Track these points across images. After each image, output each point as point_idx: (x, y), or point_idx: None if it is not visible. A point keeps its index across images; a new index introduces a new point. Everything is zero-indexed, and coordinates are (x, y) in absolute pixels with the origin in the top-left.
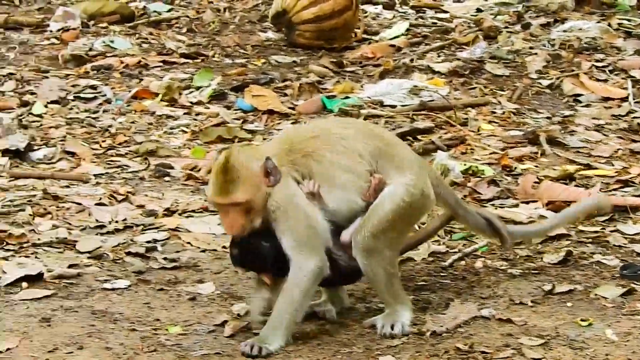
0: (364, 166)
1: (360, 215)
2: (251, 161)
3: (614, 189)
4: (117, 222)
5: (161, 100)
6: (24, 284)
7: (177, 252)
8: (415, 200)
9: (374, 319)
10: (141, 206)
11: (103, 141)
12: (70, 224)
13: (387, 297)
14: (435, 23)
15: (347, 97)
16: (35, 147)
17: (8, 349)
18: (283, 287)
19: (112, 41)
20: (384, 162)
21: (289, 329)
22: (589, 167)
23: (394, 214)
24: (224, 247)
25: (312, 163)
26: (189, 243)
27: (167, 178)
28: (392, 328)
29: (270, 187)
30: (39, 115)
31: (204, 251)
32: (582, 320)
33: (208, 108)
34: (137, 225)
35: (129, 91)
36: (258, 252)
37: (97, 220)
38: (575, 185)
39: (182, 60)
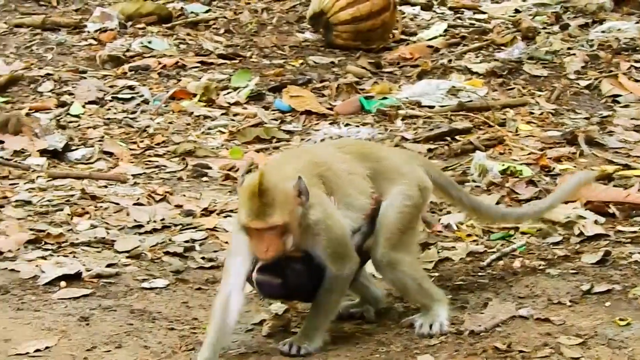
0: (369, 187)
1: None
2: (284, 182)
3: None
4: (155, 222)
5: (199, 100)
6: (63, 283)
7: (215, 251)
8: (416, 199)
9: (412, 318)
10: (179, 206)
11: (141, 141)
12: (108, 223)
13: (422, 301)
14: (473, 24)
15: (385, 98)
16: (73, 147)
17: (47, 348)
18: (321, 292)
19: (149, 42)
20: (379, 179)
21: (326, 330)
22: (627, 167)
23: (402, 220)
24: None
25: (332, 182)
26: (226, 243)
27: (204, 178)
28: (430, 327)
29: (301, 206)
30: (77, 116)
31: None
32: (620, 319)
33: (246, 108)
34: (175, 225)
35: (167, 92)
36: (303, 277)
37: (135, 220)
38: (614, 186)
39: (220, 61)
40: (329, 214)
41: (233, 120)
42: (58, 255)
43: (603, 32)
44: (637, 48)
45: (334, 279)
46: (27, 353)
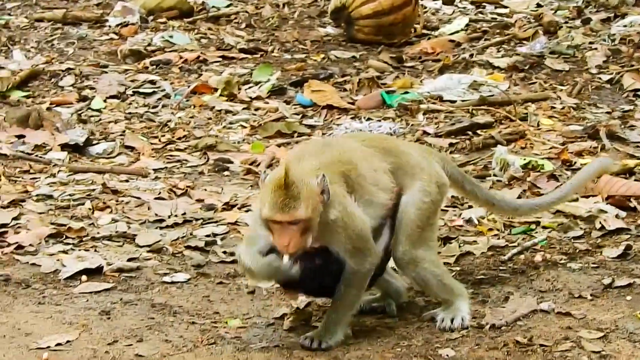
0: (389, 183)
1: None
2: (310, 177)
3: None
4: (176, 216)
5: (220, 95)
6: (84, 277)
7: (236, 245)
8: (434, 196)
9: (433, 312)
10: (200, 200)
11: (162, 136)
12: (129, 217)
13: (443, 296)
14: (495, 18)
15: (406, 92)
16: (95, 142)
17: (68, 342)
18: (341, 286)
19: (171, 36)
20: (399, 174)
21: (347, 324)
22: None
23: (421, 217)
24: None
25: (354, 179)
26: None
27: (226, 172)
28: (451, 322)
29: (322, 204)
30: (98, 110)
31: None
32: None
33: (267, 103)
34: (197, 219)
35: (188, 86)
36: (322, 273)
37: (156, 214)
38: (635, 180)
39: (241, 55)
40: (349, 212)
41: (254, 114)
42: (79, 250)
43: (625, 26)
44: None
45: (353, 274)
46: (49, 347)
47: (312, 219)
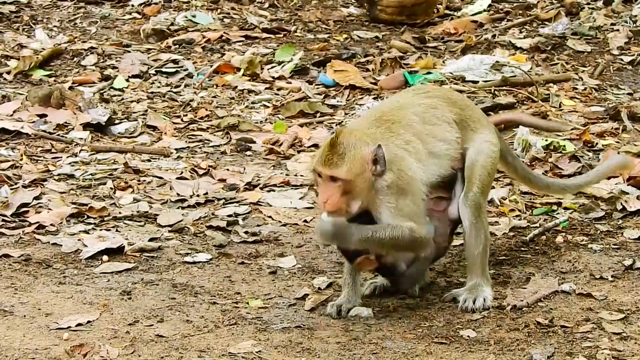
0: (454, 134)
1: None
2: (362, 144)
3: None
4: (198, 196)
5: (243, 75)
6: (105, 257)
7: (258, 226)
8: (497, 150)
9: (455, 292)
10: (222, 180)
11: (184, 115)
12: (151, 197)
13: (476, 268)
14: None
15: (429, 73)
16: (117, 121)
17: (89, 322)
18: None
19: (194, 16)
20: (464, 125)
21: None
22: None
23: (491, 166)
24: (304, 221)
25: (409, 136)
26: (270, 217)
27: (248, 152)
28: (474, 302)
29: (375, 175)
30: (120, 90)
31: (285, 225)
32: None
33: (290, 83)
34: (219, 199)
35: (211, 66)
36: None
37: (178, 194)
38: None
39: (264, 35)
40: (407, 176)
41: (277, 94)
42: (100, 229)
43: None
44: None
45: (409, 231)
46: (69, 327)
47: (355, 185)
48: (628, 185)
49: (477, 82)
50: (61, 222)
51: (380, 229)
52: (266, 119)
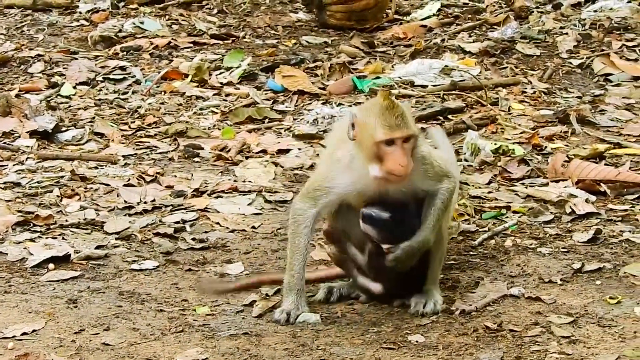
0: None
1: None
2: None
3: None
4: (145, 202)
5: (191, 81)
6: (51, 265)
7: (206, 232)
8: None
9: (405, 299)
10: (170, 187)
11: (132, 122)
12: (98, 205)
13: (434, 275)
14: (467, 3)
15: (377, 78)
16: (64, 129)
17: (34, 331)
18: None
19: (142, 22)
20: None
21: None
22: (619, 145)
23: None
24: (252, 227)
25: None
26: (217, 223)
27: (196, 159)
28: (424, 306)
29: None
30: (68, 97)
31: (232, 231)
32: (610, 298)
33: (238, 89)
34: (166, 206)
35: (159, 72)
36: (409, 214)
37: (125, 201)
38: (605, 164)
39: (213, 41)
40: (426, 147)
41: (225, 100)
42: (47, 237)
43: (595, 11)
44: (629, 27)
45: (444, 192)
46: (14, 336)
47: (418, 136)
48: (577, 188)
49: (426, 86)
50: (7, 231)
51: (432, 215)
52: (214, 125)
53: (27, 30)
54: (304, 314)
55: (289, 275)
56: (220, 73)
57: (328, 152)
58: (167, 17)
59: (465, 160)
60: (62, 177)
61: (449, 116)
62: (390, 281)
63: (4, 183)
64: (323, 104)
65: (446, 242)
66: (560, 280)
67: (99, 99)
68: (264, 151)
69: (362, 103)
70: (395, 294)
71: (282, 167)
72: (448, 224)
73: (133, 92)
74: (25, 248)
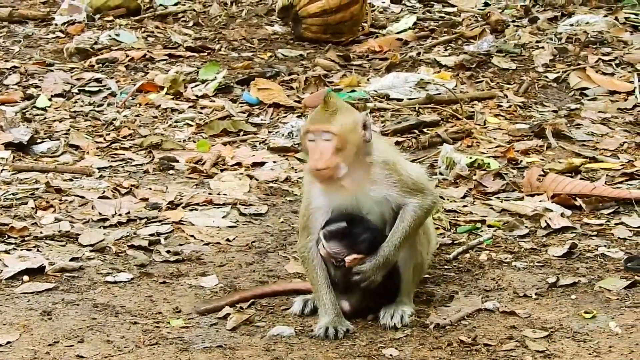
0: None
1: None
2: (353, 109)
3: (619, 182)
4: (120, 215)
5: (166, 93)
6: (25, 277)
7: (181, 245)
8: None
9: (377, 312)
10: (145, 199)
11: (107, 134)
12: (73, 217)
13: (408, 288)
14: (443, 17)
15: (353, 91)
16: (39, 141)
17: (8, 343)
18: (397, 222)
19: (117, 35)
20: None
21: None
22: (594, 160)
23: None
24: (227, 240)
25: None
26: (192, 236)
27: (171, 171)
28: (391, 317)
29: (365, 141)
30: (43, 109)
31: (207, 244)
32: (585, 312)
33: (213, 101)
34: (141, 219)
35: (134, 84)
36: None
37: (100, 214)
38: (581, 178)
39: (188, 53)
40: (396, 157)
41: (200, 113)
42: (21, 249)
43: (571, 25)
44: (605, 41)
45: (415, 208)
46: None
47: (346, 142)
48: (552, 202)
49: (402, 99)
50: None
51: (398, 231)
52: (189, 138)
53: (3, 42)
54: (278, 327)
55: (322, 307)
56: (196, 85)
57: (305, 180)
58: (142, 29)
59: (441, 174)
60: (37, 189)
61: (425, 130)
62: (361, 296)
63: None
64: (298, 117)
65: (424, 255)
66: (535, 294)
67: (75, 111)
68: (239, 164)
69: None
70: (368, 309)
71: (257, 180)
72: (430, 239)
73: (108, 105)
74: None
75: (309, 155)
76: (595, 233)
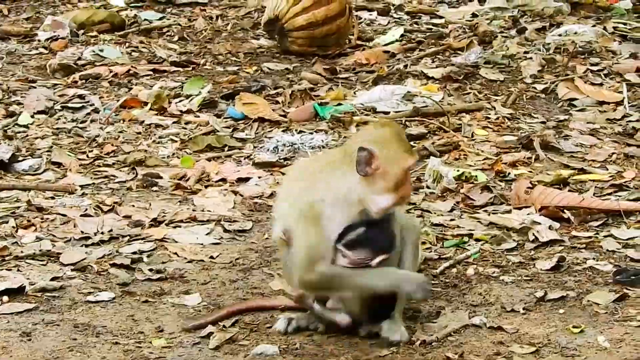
0: None
1: None
2: None
3: (608, 194)
4: (102, 233)
5: (150, 109)
6: (5, 298)
7: (164, 262)
8: None
9: (373, 327)
10: (127, 217)
11: (90, 151)
12: (54, 235)
13: (403, 303)
14: (430, 29)
15: (339, 104)
16: (21, 158)
17: None
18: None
19: (101, 50)
20: None
21: None
22: (583, 171)
23: None
24: (211, 257)
25: None
26: (175, 254)
27: (154, 188)
28: (394, 333)
29: None
30: (25, 126)
31: (190, 262)
32: (574, 327)
33: (198, 117)
34: (123, 236)
35: (117, 100)
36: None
37: (82, 232)
38: (569, 190)
39: (173, 68)
40: None
41: (185, 128)
42: (1, 269)
43: (560, 35)
44: (594, 51)
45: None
46: None
47: None
48: (540, 215)
49: (389, 112)
50: None
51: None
52: (173, 154)
53: None
54: (262, 346)
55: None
56: (180, 101)
57: (319, 214)
58: (127, 44)
59: (427, 187)
60: (18, 207)
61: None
62: (360, 310)
63: None
64: (284, 131)
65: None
66: (523, 309)
67: (57, 128)
68: (224, 180)
69: (348, 136)
70: (364, 322)
71: (242, 195)
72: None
73: (91, 121)
74: None
75: (395, 188)
76: (584, 246)
